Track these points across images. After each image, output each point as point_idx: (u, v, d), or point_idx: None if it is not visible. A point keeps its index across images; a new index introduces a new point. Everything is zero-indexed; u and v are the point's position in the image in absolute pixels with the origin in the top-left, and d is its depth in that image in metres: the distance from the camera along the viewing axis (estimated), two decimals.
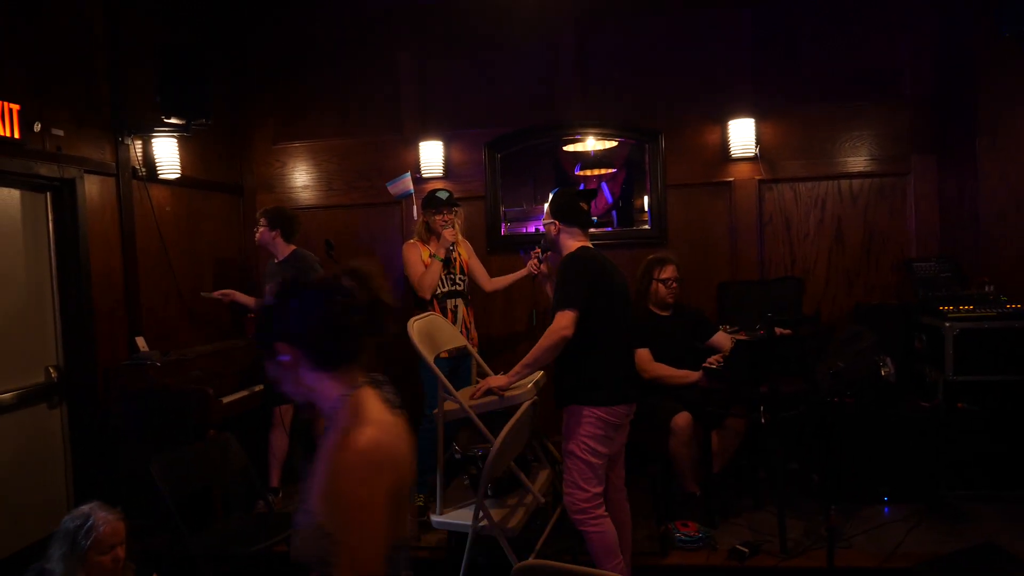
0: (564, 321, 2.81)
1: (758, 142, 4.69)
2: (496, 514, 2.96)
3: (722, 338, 3.94)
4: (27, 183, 3.60)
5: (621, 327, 2.96)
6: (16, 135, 3.38)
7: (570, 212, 3.01)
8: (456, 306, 4.14)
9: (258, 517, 3.45)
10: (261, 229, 4.40)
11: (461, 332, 3.96)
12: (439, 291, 4.12)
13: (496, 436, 2.79)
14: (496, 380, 3.08)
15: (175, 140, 4.30)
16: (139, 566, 2.44)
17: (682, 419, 3.63)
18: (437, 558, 3.52)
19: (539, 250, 3.27)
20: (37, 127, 3.52)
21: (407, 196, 4.58)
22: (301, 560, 1.40)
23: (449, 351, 3.52)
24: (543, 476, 3.39)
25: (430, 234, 4.17)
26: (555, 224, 3.02)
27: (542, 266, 3.28)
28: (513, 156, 5.14)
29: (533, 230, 5.11)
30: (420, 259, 4.12)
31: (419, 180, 4.92)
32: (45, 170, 3.58)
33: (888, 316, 4.38)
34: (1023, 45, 3.37)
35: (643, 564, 3.29)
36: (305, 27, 5.28)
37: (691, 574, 3.33)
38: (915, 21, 4.62)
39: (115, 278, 4.05)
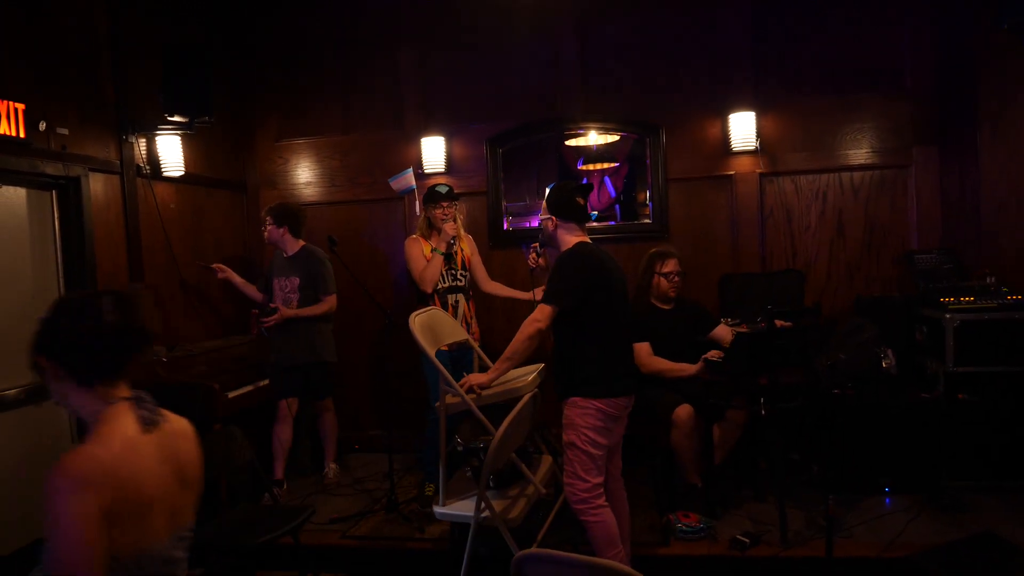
0: (540, 314, 2.87)
1: (759, 135, 4.69)
2: (498, 505, 2.99)
3: (723, 331, 3.96)
4: (33, 181, 3.65)
5: (620, 321, 2.98)
6: (21, 134, 3.42)
7: (566, 207, 3.02)
8: (457, 301, 4.17)
9: (264, 509, 3.49)
10: (269, 227, 4.45)
11: (462, 326, 3.99)
12: (440, 286, 4.15)
13: (498, 428, 2.82)
14: (477, 378, 3.08)
15: (178, 138, 4.34)
16: None
17: (683, 412, 3.65)
18: (440, 549, 3.56)
19: (537, 244, 3.27)
20: (42, 126, 3.56)
21: (409, 192, 4.61)
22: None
23: (450, 345, 3.54)
24: (544, 467, 3.42)
25: (431, 229, 4.19)
26: (552, 220, 3.02)
27: (540, 260, 3.28)
28: (515, 151, 5.16)
29: (536, 225, 5.13)
30: (422, 254, 4.15)
31: (421, 176, 4.95)
32: (50, 168, 3.62)
33: (889, 308, 4.39)
34: (1023, 37, 3.36)
35: (645, 554, 3.32)
36: (307, 24, 5.31)
37: (692, 564, 3.36)
38: (916, 14, 4.62)
39: (120, 275, 4.09)
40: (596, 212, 5.29)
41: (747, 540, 3.35)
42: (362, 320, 5.09)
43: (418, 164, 5.04)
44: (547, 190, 3.11)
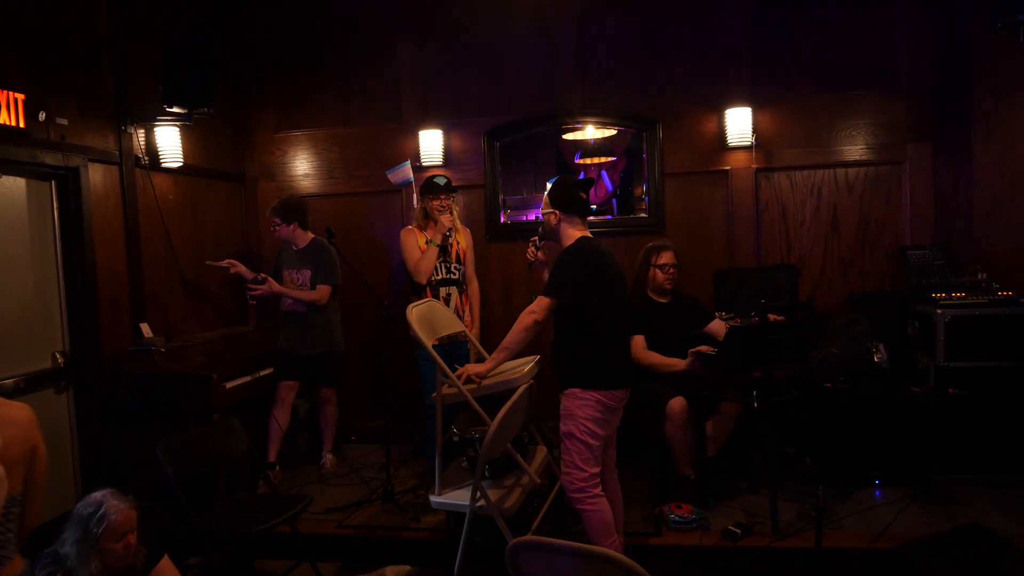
0: (537, 306, 2.93)
1: (755, 131, 4.72)
2: (493, 494, 3.03)
3: (718, 325, 4.00)
4: (32, 172, 3.66)
5: (618, 314, 3.03)
6: (21, 124, 3.43)
7: (570, 201, 3.05)
8: (450, 294, 4.19)
9: (261, 498, 3.52)
10: (279, 227, 4.48)
11: None
12: (434, 278, 4.17)
13: (493, 419, 2.86)
14: (475, 367, 3.13)
15: (177, 129, 4.36)
16: (150, 550, 2.49)
17: (677, 404, 3.69)
18: (436, 538, 3.59)
19: (536, 238, 3.29)
20: (42, 116, 3.57)
21: (407, 184, 4.64)
22: None
23: (441, 338, 3.57)
24: (539, 458, 3.46)
25: (428, 220, 4.22)
26: (555, 214, 3.06)
27: (539, 254, 3.30)
28: (513, 144, 5.19)
29: (533, 218, 5.16)
30: (417, 245, 4.18)
31: (419, 168, 4.98)
32: (50, 159, 3.63)
33: (882, 303, 4.43)
34: (1017, 36, 3.39)
35: (638, 544, 3.36)
36: (307, 17, 5.32)
37: (684, 554, 3.40)
38: (912, 12, 4.64)
39: (119, 265, 4.11)
40: (593, 206, 5.31)
41: (739, 531, 3.40)
42: (359, 311, 5.12)
43: (416, 157, 5.07)
44: (548, 184, 3.13)
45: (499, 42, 5.09)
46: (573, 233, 3.05)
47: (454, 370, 3.16)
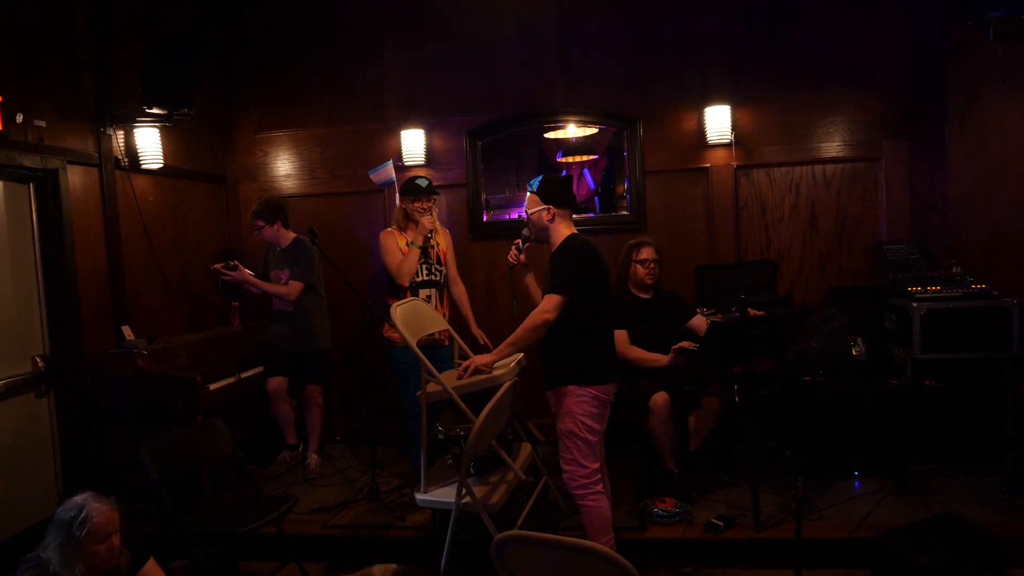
0: (549, 305, 2.92)
1: (734, 128, 4.78)
2: (479, 491, 3.06)
3: (699, 321, 4.06)
4: (10, 174, 3.63)
5: (611, 310, 3.08)
6: None
7: (561, 197, 3.08)
8: (430, 296, 4.19)
9: (247, 499, 3.51)
10: (263, 229, 4.49)
11: None
12: (414, 280, 4.17)
13: (478, 417, 2.88)
14: (481, 358, 3.16)
15: (157, 130, 4.33)
16: (135, 552, 2.49)
17: (660, 399, 3.73)
18: (422, 536, 3.61)
19: (519, 241, 3.27)
20: (19, 118, 3.54)
21: (389, 184, 4.63)
22: None
23: (420, 339, 3.58)
24: (524, 454, 3.49)
25: (408, 221, 4.21)
26: (548, 210, 3.05)
27: (521, 256, 3.28)
28: (495, 143, 5.21)
29: (516, 217, 5.18)
30: (397, 247, 4.17)
31: (401, 168, 4.98)
32: (28, 161, 3.60)
33: (860, 297, 4.51)
34: (988, 35, 3.46)
35: (622, 539, 3.38)
36: (288, 17, 5.31)
37: (668, 547, 3.44)
38: (888, 11, 4.72)
39: (100, 268, 4.09)
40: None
41: (721, 523, 3.45)
42: (343, 312, 5.11)
43: (398, 156, 5.07)
44: (533, 184, 3.12)
45: (481, 42, 5.11)
46: (564, 230, 3.08)
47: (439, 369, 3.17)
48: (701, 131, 4.85)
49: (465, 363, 3.15)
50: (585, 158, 5.51)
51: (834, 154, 4.81)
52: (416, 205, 4.15)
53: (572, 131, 5.27)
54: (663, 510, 3.58)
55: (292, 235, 4.55)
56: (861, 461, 4.02)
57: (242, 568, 3.63)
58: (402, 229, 4.23)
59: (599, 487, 2.98)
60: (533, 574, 1.89)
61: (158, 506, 3.03)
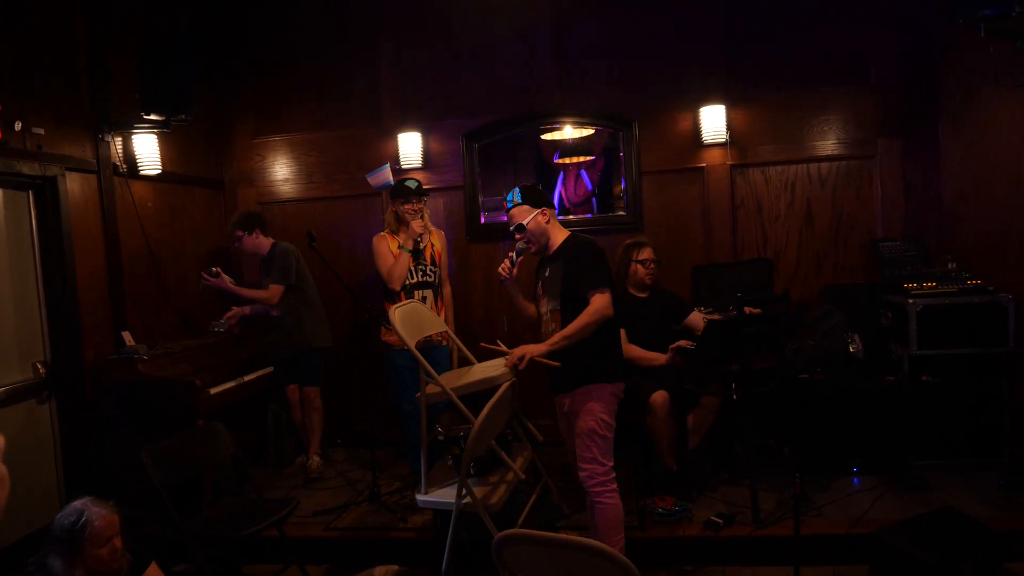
0: (604, 302, 2.93)
1: (729, 128, 4.80)
2: (479, 491, 3.07)
3: (696, 318, 4.07)
4: (9, 182, 3.64)
5: (617, 308, 3.08)
6: None
7: (546, 198, 3.14)
8: (425, 297, 4.20)
9: (248, 502, 3.53)
10: (244, 239, 4.53)
11: None
12: (408, 282, 4.18)
13: (477, 417, 2.90)
14: (534, 348, 2.97)
15: (155, 136, 4.35)
16: (135, 555, 2.50)
17: (659, 397, 3.75)
18: (423, 538, 3.62)
19: (513, 254, 3.16)
20: (18, 126, 3.55)
21: (387, 187, 4.64)
22: None
23: (418, 341, 3.60)
24: (523, 454, 3.50)
25: (400, 224, 4.22)
26: (544, 212, 3.09)
27: (514, 270, 3.18)
28: (492, 145, 5.22)
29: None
30: (389, 250, 4.18)
31: (398, 171, 4.99)
32: (27, 168, 3.62)
33: (856, 295, 4.53)
34: (979, 31, 3.48)
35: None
36: (285, 21, 5.33)
37: (668, 546, 3.46)
38: (881, 10, 4.74)
39: (99, 274, 4.10)
40: (573, 205, 5.37)
41: (720, 521, 3.46)
42: (341, 315, 5.13)
43: (395, 160, 5.09)
44: (514, 196, 3.11)
45: (477, 44, 5.13)
46: (560, 231, 3.12)
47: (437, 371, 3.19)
48: (697, 131, 4.87)
49: (516, 352, 2.96)
50: (582, 159, 5.52)
51: (829, 152, 4.83)
52: (407, 207, 4.16)
53: (569, 132, 5.29)
54: (664, 508, 3.60)
55: (270, 241, 4.58)
56: (859, 458, 4.04)
57: (244, 571, 3.64)
58: (394, 232, 4.24)
59: (614, 485, 3.00)
60: (533, 573, 1.90)
61: (159, 510, 3.04)
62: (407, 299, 4.08)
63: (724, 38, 4.89)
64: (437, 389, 3.16)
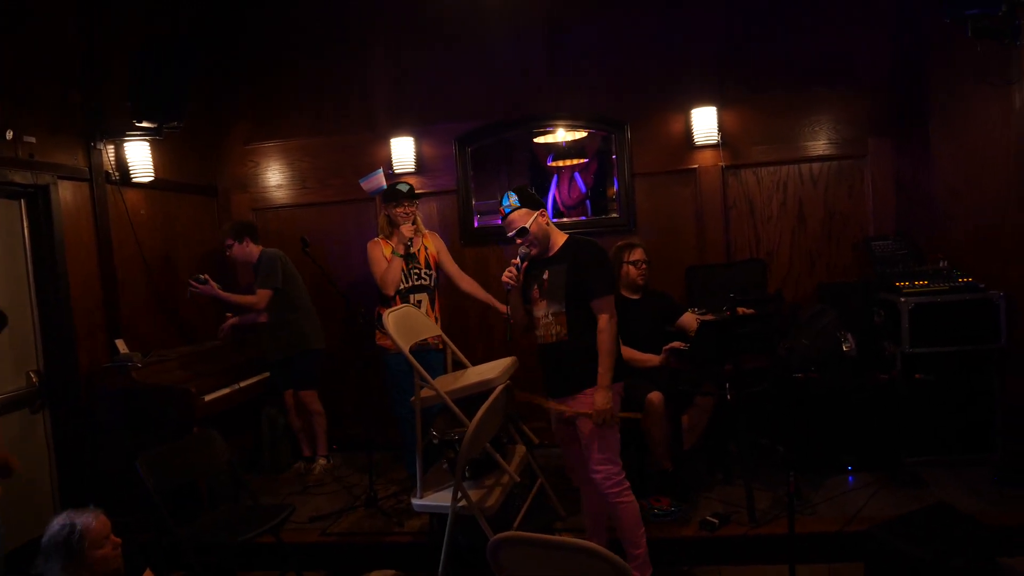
0: (611, 308, 2.94)
1: (721, 129, 4.82)
2: (474, 494, 3.08)
3: (688, 319, 4.08)
4: (1, 190, 3.64)
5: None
6: None
7: (541, 200, 3.11)
8: (420, 301, 4.20)
9: (244, 508, 3.53)
10: (235, 247, 4.56)
11: None
12: (402, 286, 4.18)
13: (471, 420, 2.91)
14: (601, 404, 2.88)
15: (147, 144, 4.35)
16: (132, 564, 2.49)
17: (654, 398, 3.76)
18: (419, 542, 3.63)
19: (518, 260, 3.06)
20: (9, 134, 3.55)
21: (380, 192, 4.65)
22: None
23: (412, 344, 3.60)
24: (518, 456, 3.51)
25: (392, 227, 4.23)
26: (543, 214, 3.06)
27: (520, 276, 3.09)
28: (485, 149, 5.24)
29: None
30: (383, 256, 4.19)
31: (391, 176, 5.01)
32: (18, 177, 3.61)
33: (849, 293, 4.55)
34: (967, 32, 3.51)
35: (619, 538, 3.41)
36: (277, 28, 5.34)
37: (664, 546, 3.45)
38: (870, 10, 4.77)
39: (92, 282, 4.10)
40: (567, 207, 5.40)
41: (716, 521, 3.47)
42: (336, 319, 5.13)
43: (388, 164, 5.10)
44: (511, 200, 3.03)
45: (469, 48, 5.14)
46: (558, 232, 3.11)
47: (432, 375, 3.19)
48: (688, 133, 4.89)
49: (596, 416, 2.88)
50: (576, 162, 5.55)
51: (820, 152, 4.86)
52: (398, 211, 4.16)
53: (562, 135, 5.31)
54: (659, 509, 3.61)
55: (259, 249, 4.60)
56: (853, 455, 4.06)
57: None
58: (388, 237, 4.24)
59: (628, 483, 3.02)
60: (529, 575, 1.91)
61: (155, 517, 3.04)
62: (402, 303, 4.08)
63: (715, 40, 4.91)
64: (432, 393, 3.17)
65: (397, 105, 5.23)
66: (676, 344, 3.78)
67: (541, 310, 3.08)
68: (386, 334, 3.29)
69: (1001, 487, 3.66)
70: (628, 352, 3.95)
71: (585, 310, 2.95)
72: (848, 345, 4.11)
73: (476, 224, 5.21)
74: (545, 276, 3.06)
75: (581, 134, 5.30)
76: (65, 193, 3.93)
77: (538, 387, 3.26)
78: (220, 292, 4.48)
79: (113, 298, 4.20)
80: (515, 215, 3.03)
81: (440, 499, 3.14)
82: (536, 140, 5.37)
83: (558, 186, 5.53)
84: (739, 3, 4.91)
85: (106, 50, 4.23)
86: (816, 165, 4.89)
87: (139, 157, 4.33)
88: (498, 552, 1.87)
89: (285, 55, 5.33)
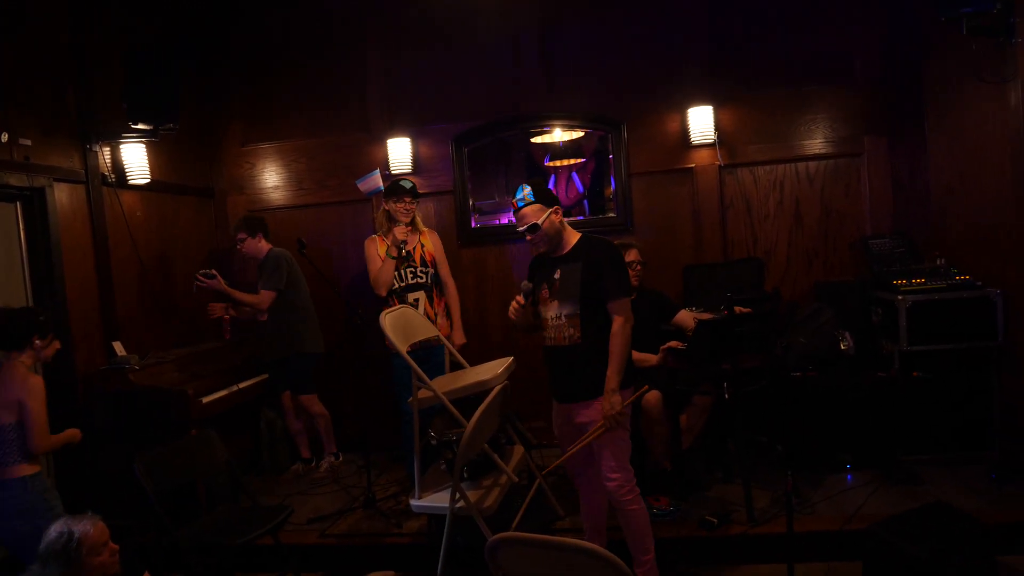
0: (627, 312, 2.89)
1: (717, 128, 4.82)
2: (472, 495, 3.07)
3: (684, 316, 4.08)
4: None
5: None
6: None
7: (556, 196, 3.05)
8: (418, 299, 4.19)
9: (242, 510, 3.52)
10: (246, 241, 4.54)
11: None
12: (397, 285, 4.18)
13: (469, 421, 2.90)
14: (611, 407, 2.84)
15: (143, 145, 4.34)
16: (130, 567, 2.49)
17: (652, 398, 3.76)
18: (418, 543, 3.62)
19: (521, 297, 2.99)
20: (4, 137, 3.55)
21: (377, 193, 4.65)
22: None
23: (413, 344, 3.60)
24: (516, 457, 3.51)
25: (391, 223, 4.23)
26: (557, 211, 2.96)
27: (526, 306, 3.01)
28: (482, 149, 5.24)
29: (506, 222, 5.20)
30: (377, 254, 4.19)
31: (388, 176, 5.00)
32: (14, 180, 3.61)
33: (846, 292, 4.55)
34: (962, 30, 3.51)
35: (617, 539, 3.41)
36: (271, 29, 5.34)
37: (663, 546, 3.44)
38: (865, 8, 4.78)
39: (89, 285, 4.09)
40: (565, 207, 5.38)
41: (715, 520, 3.47)
42: (334, 320, 5.12)
43: (385, 165, 5.09)
44: (525, 195, 2.94)
45: (465, 48, 5.14)
46: (571, 230, 3.01)
47: (429, 375, 3.19)
48: (685, 132, 4.89)
49: (609, 419, 2.83)
50: (573, 161, 5.55)
51: (816, 151, 4.86)
52: (399, 206, 4.16)
53: (559, 135, 5.31)
54: (658, 509, 3.61)
55: (268, 247, 4.60)
56: (851, 454, 4.06)
57: None
58: (385, 234, 4.24)
59: (639, 489, 2.98)
60: (528, 575, 1.91)
61: (153, 519, 3.04)
62: (399, 303, 4.08)
63: (711, 39, 4.91)
64: (429, 394, 3.17)
65: (394, 106, 5.23)
66: (674, 343, 3.79)
67: (551, 311, 2.97)
68: (384, 335, 3.28)
69: (999, 485, 3.66)
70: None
71: (600, 312, 2.88)
72: (846, 343, 4.12)
73: (474, 224, 5.20)
74: (557, 275, 2.96)
75: (578, 134, 5.30)
76: (61, 195, 3.92)
77: (539, 388, 3.25)
78: (226, 287, 4.46)
79: (110, 300, 4.19)
80: (527, 210, 2.93)
81: (438, 500, 3.14)
82: (533, 140, 5.37)
83: (556, 186, 5.53)
84: (735, 2, 4.91)
85: (101, 52, 4.22)
86: (813, 164, 4.89)
87: (135, 159, 4.32)
88: (496, 552, 1.88)
89: (281, 56, 5.33)
